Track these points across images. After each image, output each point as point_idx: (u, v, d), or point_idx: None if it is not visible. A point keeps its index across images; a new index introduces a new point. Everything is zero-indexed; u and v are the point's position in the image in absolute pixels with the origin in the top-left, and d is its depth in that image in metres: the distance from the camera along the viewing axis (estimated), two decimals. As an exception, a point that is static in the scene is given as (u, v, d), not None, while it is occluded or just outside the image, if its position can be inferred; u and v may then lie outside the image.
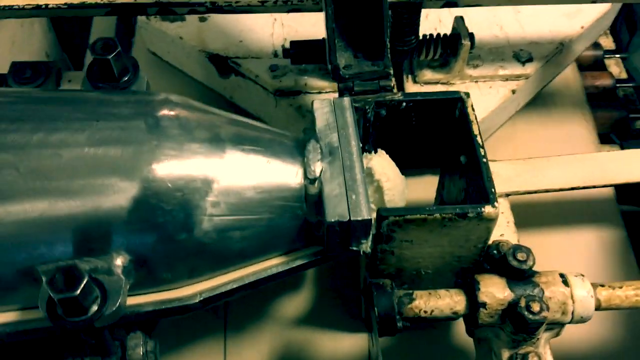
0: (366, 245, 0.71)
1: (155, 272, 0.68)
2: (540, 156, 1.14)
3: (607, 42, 1.46)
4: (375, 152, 0.81)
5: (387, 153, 0.88)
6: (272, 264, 0.73)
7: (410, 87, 1.04)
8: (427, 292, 0.76)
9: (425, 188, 0.99)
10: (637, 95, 1.37)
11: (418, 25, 0.96)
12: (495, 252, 0.82)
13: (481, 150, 0.76)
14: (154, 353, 0.73)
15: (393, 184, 0.76)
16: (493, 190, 0.73)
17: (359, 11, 0.82)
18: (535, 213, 1.06)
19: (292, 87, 1.03)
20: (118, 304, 0.63)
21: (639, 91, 1.40)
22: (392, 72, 0.82)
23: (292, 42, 0.99)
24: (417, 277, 0.82)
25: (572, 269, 1.03)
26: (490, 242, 0.81)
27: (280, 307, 0.97)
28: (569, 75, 1.26)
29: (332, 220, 0.67)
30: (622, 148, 1.31)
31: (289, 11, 0.91)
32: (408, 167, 0.93)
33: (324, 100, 0.77)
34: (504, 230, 0.90)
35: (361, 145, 0.83)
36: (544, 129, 1.18)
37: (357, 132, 0.75)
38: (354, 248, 0.71)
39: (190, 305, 0.70)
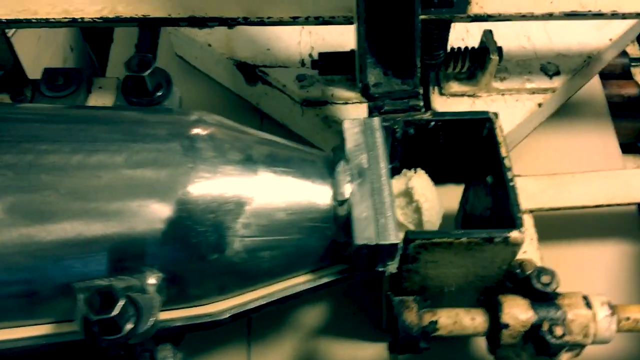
0: (392, 267, 0.73)
1: (186, 289, 0.70)
2: (562, 169, 1.14)
3: (634, 50, 1.44)
4: (412, 169, 0.82)
5: (413, 169, 0.89)
6: (299, 282, 0.75)
7: (437, 99, 1.05)
8: (450, 311, 0.77)
9: (448, 198, 1.00)
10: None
11: (447, 40, 0.96)
12: (518, 271, 0.83)
13: (509, 173, 0.77)
14: (183, 365, 0.76)
15: (431, 204, 0.77)
16: (520, 215, 0.73)
17: (390, 30, 0.82)
18: (557, 226, 1.07)
19: (319, 98, 1.04)
20: (151, 322, 0.66)
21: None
22: (421, 91, 0.83)
23: (320, 54, 1.00)
24: (440, 294, 0.83)
25: (593, 284, 1.05)
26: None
27: (302, 316, 0.99)
28: (591, 85, 1.25)
29: (360, 243, 0.69)
30: (646, 159, 1.31)
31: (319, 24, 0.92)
32: (434, 181, 0.95)
33: (354, 120, 0.78)
34: (527, 247, 0.91)
35: (389, 163, 0.85)
36: (564, 140, 1.18)
37: (386, 154, 0.75)
38: (380, 269, 0.73)
39: (220, 320, 0.73)
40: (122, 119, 0.72)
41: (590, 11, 0.87)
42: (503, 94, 1.05)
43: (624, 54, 1.40)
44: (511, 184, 0.76)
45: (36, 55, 1.46)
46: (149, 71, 0.79)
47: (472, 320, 0.77)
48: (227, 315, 0.73)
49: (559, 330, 0.73)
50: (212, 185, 0.67)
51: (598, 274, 1.05)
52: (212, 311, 0.72)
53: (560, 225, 1.08)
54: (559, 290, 0.80)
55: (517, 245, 0.73)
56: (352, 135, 0.77)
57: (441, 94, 1.05)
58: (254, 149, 0.72)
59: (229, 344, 0.99)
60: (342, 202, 0.72)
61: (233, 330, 0.99)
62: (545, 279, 0.77)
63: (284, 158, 0.73)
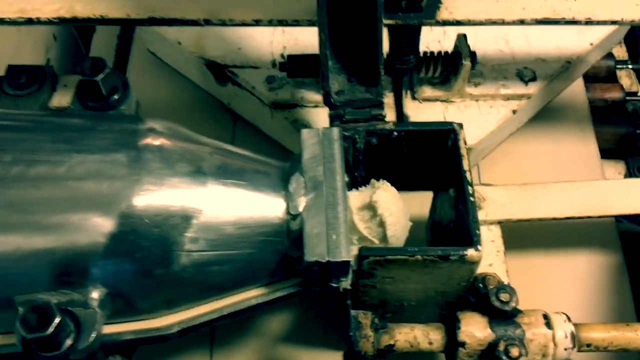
0: (346, 283, 0.71)
1: (132, 303, 0.68)
2: (538, 176, 1.14)
3: (620, 52, 1.41)
4: (380, 180, 0.79)
5: (377, 178, 0.87)
6: (251, 295, 0.73)
7: (409, 104, 1.02)
8: (405, 327, 0.76)
9: (422, 204, 0.98)
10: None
11: (418, 45, 0.93)
12: (481, 285, 0.81)
13: (469, 188, 0.75)
14: (133, 377, 0.74)
15: (396, 218, 0.75)
16: (478, 232, 0.71)
17: (353, 36, 0.80)
18: (529, 234, 1.05)
19: (288, 100, 1.02)
20: (92, 338, 0.64)
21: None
22: (384, 100, 0.80)
23: (288, 57, 0.97)
24: (400, 308, 0.81)
25: (566, 297, 1.03)
26: (477, 272, 0.81)
27: (266, 323, 0.98)
28: (573, 88, 1.22)
29: (311, 260, 0.67)
30: (628, 165, 1.28)
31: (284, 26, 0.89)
32: (400, 189, 0.93)
33: (312, 130, 0.76)
34: (493, 259, 0.89)
35: (350, 173, 0.82)
36: (542, 146, 1.15)
37: (343, 167, 0.73)
38: (334, 284, 0.71)
39: (168, 335, 0.71)
40: (68, 127, 0.70)
41: (563, 18, 0.85)
42: (477, 100, 1.02)
43: (609, 55, 1.37)
44: (471, 199, 0.74)
45: (16, 46, 1.43)
46: (102, 75, 0.76)
47: (427, 336, 0.76)
48: (175, 330, 0.71)
49: (515, 352, 0.71)
50: (157, 198, 0.66)
51: (571, 286, 1.03)
52: (160, 325, 0.71)
53: (533, 234, 1.06)
54: (521, 306, 0.78)
55: (474, 263, 0.71)
56: (309, 146, 0.75)
57: (413, 98, 1.02)
58: (205, 160, 0.70)
59: (191, 349, 0.98)
60: (295, 216, 0.70)
61: (196, 336, 0.97)
62: (504, 296, 0.75)
63: (236, 170, 0.71)
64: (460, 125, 0.80)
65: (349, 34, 0.81)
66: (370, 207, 0.75)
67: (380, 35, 0.77)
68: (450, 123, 0.80)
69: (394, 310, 0.82)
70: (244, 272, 0.71)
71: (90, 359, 0.72)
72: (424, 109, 1.01)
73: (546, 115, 1.17)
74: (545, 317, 0.76)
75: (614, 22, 0.86)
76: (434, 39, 1.09)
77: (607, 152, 1.28)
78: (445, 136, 0.81)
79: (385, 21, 0.84)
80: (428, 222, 0.97)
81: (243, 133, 1.15)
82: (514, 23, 0.84)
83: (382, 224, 0.75)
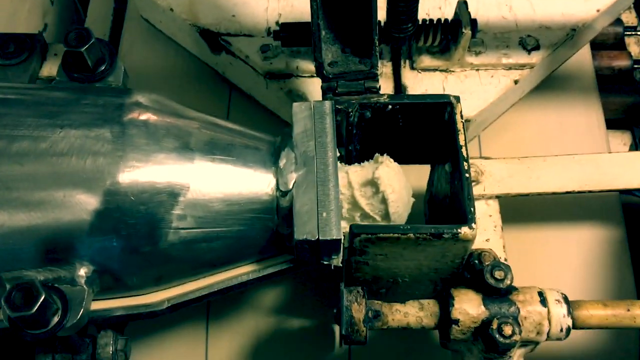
0: (337, 260, 0.70)
1: (121, 279, 0.68)
2: (541, 147, 1.11)
3: (629, 18, 1.36)
4: (384, 155, 0.77)
5: (372, 151, 0.85)
6: (242, 272, 0.73)
7: (407, 74, 0.99)
8: (397, 306, 0.75)
9: (419, 176, 0.95)
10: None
11: (416, 12, 0.90)
12: (476, 261, 0.80)
13: (465, 164, 0.73)
14: (124, 352, 0.74)
15: (398, 195, 0.73)
16: (472, 210, 0.70)
17: (347, 5, 0.77)
18: (530, 207, 1.03)
19: (283, 70, 0.99)
20: (79, 315, 0.64)
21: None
22: (381, 70, 0.78)
23: (282, 25, 0.94)
24: (394, 284, 0.80)
25: (565, 271, 1.02)
26: (473, 248, 0.80)
27: (261, 296, 0.97)
28: (579, 56, 1.17)
29: (301, 238, 0.66)
30: (634, 135, 1.25)
31: (278, -6, 0.86)
32: (399, 162, 0.90)
33: (303, 103, 0.74)
34: (490, 234, 0.88)
35: (344, 147, 0.80)
36: (546, 116, 1.12)
37: (334, 141, 0.71)
38: (325, 262, 0.70)
39: (158, 311, 0.71)
40: (51, 100, 0.68)
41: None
42: (477, 69, 0.99)
43: (618, 22, 1.32)
44: (466, 175, 0.72)
45: (12, 12, 1.40)
46: (86, 46, 0.74)
47: (420, 313, 0.75)
48: (165, 306, 0.71)
49: (508, 330, 0.70)
50: (143, 175, 0.64)
51: (571, 260, 1.02)
52: (150, 301, 0.70)
53: (533, 206, 1.04)
54: (518, 281, 0.77)
55: (467, 241, 0.69)
56: (301, 119, 0.73)
57: (412, 68, 0.99)
58: (192, 136, 0.68)
59: (188, 321, 0.98)
60: (285, 193, 0.69)
61: (192, 309, 0.97)
62: (498, 274, 0.73)
63: (225, 145, 0.69)
64: (457, 99, 0.77)
65: (342, 4, 0.78)
66: (373, 184, 0.73)
67: (375, 4, 0.74)
68: (447, 96, 0.77)
69: (388, 287, 0.81)
70: (234, 249, 0.70)
71: (82, 334, 0.72)
72: (422, 79, 0.98)
73: (550, 84, 1.14)
74: (541, 294, 0.75)
75: (621, -11, 0.82)
76: (435, 5, 1.05)
77: (613, 122, 1.25)
78: (441, 109, 0.78)
79: (382, -12, 0.81)
80: (426, 195, 0.95)
81: (239, 102, 1.13)
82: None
83: (384, 201, 0.73)
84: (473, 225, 0.69)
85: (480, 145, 1.10)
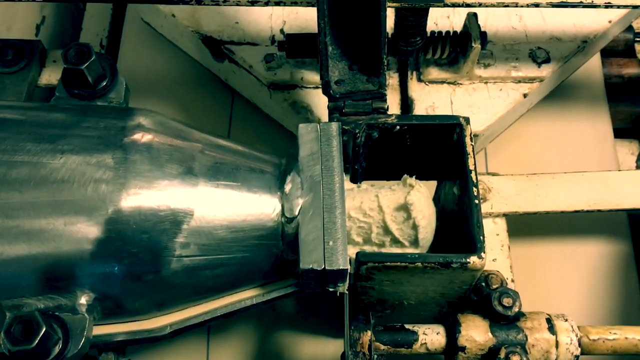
0: (343, 288, 0.68)
1: (122, 305, 0.66)
2: (548, 157, 1.09)
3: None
4: (413, 177, 0.75)
5: (378, 168, 0.83)
6: (246, 297, 0.71)
7: (414, 86, 0.97)
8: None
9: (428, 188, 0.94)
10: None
11: (425, 25, 0.88)
12: (483, 284, 0.79)
13: (474, 190, 0.71)
14: (126, 374, 0.73)
15: (428, 221, 0.72)
16: (482, 238, 0.68)
17: (355, 21, 0.75)
18: (537, 221, 1.02)
19: (287, 81, 0.97)
20: (81, 344, 0.62)
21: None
22: (386, 92, 0.76)
23: (287, 35, 0.92)
24: (400, 306, 0.79)
25: (569, 285, 1.01)
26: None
27: (264, 311, 0.96)
28: (589, 64, 1.15)
29: (306, 267, 0.64)
30: (642, 145, 1.24)
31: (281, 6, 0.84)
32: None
33: (310, 125, 0.72)
34: (497, 254, 0.86)
35: (350, 167, 0.79)
36: (553, 126, 1.10)
37: (341, 165, 0.70)
38: (331, 289, 0.69)
39: (160, 336, 0.69)
40: (52, 122, 0.66)
41: (581, 2, 0.79)
42: (486, 82, 0.97)
43: (628, 28, 1.30)
44: (476, 202, 0.70)
45: (5, 9, 1.38)
46: (87, 63, 0.72)
47: (427, 338, 0.74)
48: (167, 331, 0.69)
49: (515, 359, 0.69)
50: (145, 202, 0.62)
51: (578, 276, 1.00)
52: (152, 327, 0.69)
53: (540, 221, 1.02)
54: (525, 297, 0.76)
55: (476, 270, 0.68)
56: (307, 142, 0.71)
57: (419, 80, 0.97)
58: (196, 160, 0.66)
59: (188, 336, 0.96)
60: (291, 220, 0.67)
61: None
62: (507, 301, 0.72)
63: (229, 169, 0.68)
64: (467, 120, 0.75)
65: (351, 18, 0.76)
66: (405, 209, 0.71)
67: (384, 24, 0.72)
68: (457, 117, 0.75)
69: (393, 308, 0.80)
70: (237, 275, 0.68)
71: (84, 358, 0.71)
72: (429, 92, 0.97)
73: (559, 93, 1.12)
74: (549, 321, 0.74)
75: (635, 7, 0.80)
76: (443, 15, 1.03)
77: (620, 131, 1.23)
78: (450, 130, 0.77)
79: (391, 4, 0.78)
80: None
81: (242, 109, 1.11)
82: (528, 6, 0.79)
83: (415, 227, 0.71)
84: (482, 254, 0.67)
85: (486, 157, 1.08)
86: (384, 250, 0.70)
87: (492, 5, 0.79)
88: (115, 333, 0.69)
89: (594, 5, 0.80)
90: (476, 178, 0.72)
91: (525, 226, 1.01)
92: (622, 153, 1.23)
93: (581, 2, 0.79)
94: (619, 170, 0.91)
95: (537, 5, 0.79)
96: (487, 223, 0.87)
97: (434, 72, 0.97)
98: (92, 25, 1.40)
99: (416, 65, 0.98)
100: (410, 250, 0.70)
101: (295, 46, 0.92)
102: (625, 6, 0.80)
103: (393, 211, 0.71)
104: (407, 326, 0.75)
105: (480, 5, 0.79)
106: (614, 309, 0.99)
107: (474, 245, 0.68)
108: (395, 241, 0.70)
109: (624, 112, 1.22)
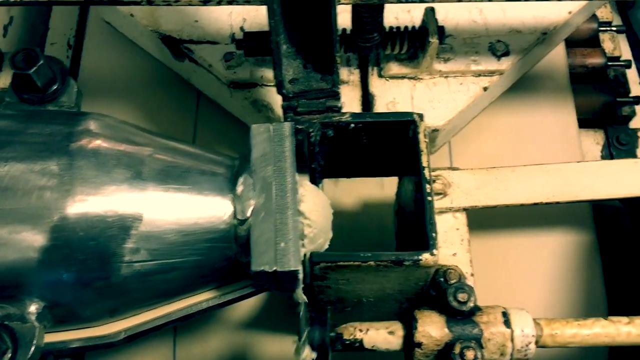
0: (299, 291, 0.68)
1: (74, 312, 0.66)
2: (512, 149, 1.10)
3: (604, 13, 1.34)
4: (323, 177, 0.75)
5: (339, 166, 0.83)
6: (201, 299, 0.71)
7: (375, 82, 0.97)
8: (361, 325, 0.74)
9: (391, 184, 0.94)
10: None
11: (381, 22, 0.88)
12: (442, 279, 0.79)
13: (427, 186, 0.71)
14: (83, 381, 0.73)
15: (319, 227, 0.70)
16: (434, 235, 0.68)
17: (307, 20, 0.74)
18: (499, 212, 1.02)
19: (247, 80, 0.96)
20: (31, 353, 0.62)
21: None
22: (340, 90, 0.76)
23: (245, 34, 0.91)
24: (359, 304, 0.79)
25: (532, 277, 1.02)
26: (440, 264, 0.79)
27: (227, 310, 0.96)
28: (553, 54, 1.15)
29: (258, 269, 0.64)
30: (607, 134, 1.24)
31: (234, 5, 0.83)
32: (363, 176, 0.89)
33: (262, 125, 0.72)
34: (457, 248, 0.86)
35: (307, 166, 0.79)
36: (518, 117, 1.10)
37: (294, 166, 0.69)
38: (285, 290, 0.69)
39: (115, 342, 0.69)
40: (-4, 131, 0.65)
41: (535, -6, 0.79)
42: (446, 77, 0.97)
43: (593, 17, 1.30)
44: (429, 199, 0.70)
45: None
46: (35, 68, 0.71)
47: (384, 335, 0.74)
48: (122, 337, 0.69)
49: (470, 354, 0.70)
50: (92, 208, 0.62)
51: (541, 269, 1.01)
52: (106, 333, 0.69)
53: (502, 212, 1.03)
54: (487, 291, 0.77)
55: (429, 267, 0.68)
56: (259, 142, 0.71)
57: (380, 75, 0.97)
58: (145, 164, 0.66)
59: (154, 337, 0.96)
60: (243, 221, 0.67)
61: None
62: (462, 296, 0.73)
63: (179, 172, 0.67)
64: (421, 116, 0.75)
65: (304, 16, 0.75)
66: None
67: (335, 22, 0.72)
68: (411, 114, 0.76)
69: (353, 305, 0.80)
70: (191, 278, 0.68)
71: (39, 365, 0.71)
72: (390, 87, 0.96)
73: (523, 84, 1.11)
74: (505, 314, 0.74)
75: (590, -3, 0.80)
76: (404, 9, 1.02)
77: (586, 122, 1.24)
78: (406, 126, 0.77)
79: (344, 1, 0.78)
80: (394, 205, 0.94)
81: (207, 108, 1.10)
82: (478, 0, 0.79)
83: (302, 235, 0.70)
84: (434, 251, 0.67)
85: (450, 151, 1.09)
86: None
87: (446, 1, 0.79)
88: (68, 340, 0.68)
89: (548, -2, 0.80)
90: (429, 175, 0.72)
91: (491, 219, 1.02)
92: (587, 143, 1.24)
93: (534, -6, 0.79)
94: (578, 162, 0.92)
95: (489, -1, 0.79)
96: (447, 218, 0.87)
97: (394, 68, 0.96)
98: (59, 25, 1.38)
99: (377, 61, 0.98)
100: (308, 247, 0.68)
101: (254, 44, 0.91)
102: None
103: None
104: (365, 324, 0.75)
105: (434, 0, 0.79)
106: (578, 300, 1.00)
107: (427, 242, 0.68)
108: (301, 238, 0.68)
109: (589, 101, 1.22)
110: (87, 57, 1.17)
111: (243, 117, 1.02)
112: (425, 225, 0.69)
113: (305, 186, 0.70)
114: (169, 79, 1.12)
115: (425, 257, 0.67)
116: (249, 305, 0.96)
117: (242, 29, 1.01)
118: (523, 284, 1.00)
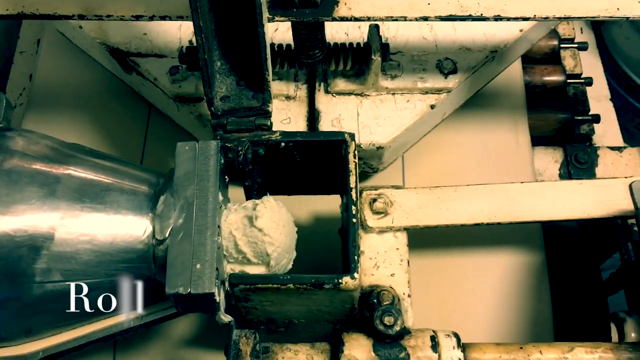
0: (220, 313, 0.67)
1: (-13, 333, 0.65)
2: (465, 169, 1.09)
3: (567, 30, 1.34)
4: (262, 194, 0.73)
5: (275, 183, 0.82)
6: (122, 320, 0.70)
7: (321, 98, 0.96)
8: (289, 350, 0.73)
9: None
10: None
11: (322, 38, 0.87)
12: (375, 301, 0.78)
13: (353, 208, 0.70)
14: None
15: (278, 244, 0.69)
16: (356, 258, 0.67)
17: (240, 39, 0.74)
18: (449, 232, 1.01)
19: (192, 94, 0.95)
20: (-63, 376, 0.61)
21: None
22: (271, 109, 0.75)
23: (187, 48, 0.91)
24: (292, 325, 0.78)
25: (478, 298, 1.00)
26: (375, 284, 0.78)
27: (169, 325, 0.95)
28: (509, 71, 1.15)
29: (172, 292, 0.63)
30: (565, 152, 1.23)
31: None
32: (301, 194, 0.88)
33: (188, 143, 0.71)
34: (395, 269, 0.85)
35: (240, 182, 0.78)
36: (472, 134, 1.09)
37: (217, 185, 0.68)
38: (206, 312, 0.68)
39: (32, 363, 0.68)
40: None
41: (470, 15, 0.78)
42: (393, 94, 0.96)
43: (554, 34, 1.30)
44: (354, 220, 0.69)
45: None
46: (-43, 83, 0.70)
47: (311, 355, 0.73)
48: (39, 357, 0.68)
49: (393, 379, 0.69)
50: (0, 228, 0.61)
51: (489, 288, 1.00)
52: (23, 352, 0.67)
53: (453, 231, 1.02)
54: (428, 312, 0.76)
55: (350, 291, 0.67)
56: (183, 161, 0.70)
57: (327, 91, 0.96)
58: (61, 182, 0.65)
59: (94, 354, 0.95)
60: (161, 241, 0.66)
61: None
62: (388, 320, 0.72)
63: (97, 191, 0.66)
64: (352, 136, 0.75)
65: (236, 33, 0.75)
66: (252, 226, 0.70)
67: (263, 40, 0.71)
68: (342, 133, 0.75)
69: (286, 326, 0.79)
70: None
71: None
72: (336, 104, 0.96)
73: (478, 101, 1.11)
74: (433, 338, 0.73)
75: (525, 19, 0.79)
76: (354, 25, 1.02)
77: (544, 139, 1.23)
78: (338, 146, 0.76)
79: (278, 18, 0.77)
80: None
81: (157, 121, 1.09)
82: (417, 19, 0.78)
83: (262, 243, 0.69)
84: (355, 275, 0.66)
85: (403, 166, 1.08)
86: (247, 269, 0.68)
87: (381, 19, 0.79)
88: (-18, 360, 0.67)
89: (484, 18, 0.79)
90: (356, 196, 0.71)
91: (440, 237, 1.01)
92: (545, 161, 1.23)
93: (470, 15, 0.78)
94: (521, 183, 0.91)
95: (426, 18, 0.78)
96: (387, 237, 0.86)
97: (340, 84, 0.96)
98: (29, 34, 1.37)
99: (324, 77, 0.97)
100: (261, 268, 0.68)
101: (196, 59, 0.90)
102: (516, 18, 0.79)
103: (245, 229, 0.68)
104: (290, 346, 0.74)
105: (369, 19, 0.78)
106: (524, 322, 0.98)
107: (348, 265, 0.67)
108: (248, 260, 0.68)
109: (548, 119, 1.22)
110: (42, 68, 1.16)
111: (192, 131, 1.01)
112: (349, 249, 0.68)
113: (265, 202, 0.69)
114: (121, 91, 1.11)
115: (346, 280, 0.66)
116: (189, 321, 0.95)
117: (190, 42, 1.00)
118: (470, 305, 0.98)
